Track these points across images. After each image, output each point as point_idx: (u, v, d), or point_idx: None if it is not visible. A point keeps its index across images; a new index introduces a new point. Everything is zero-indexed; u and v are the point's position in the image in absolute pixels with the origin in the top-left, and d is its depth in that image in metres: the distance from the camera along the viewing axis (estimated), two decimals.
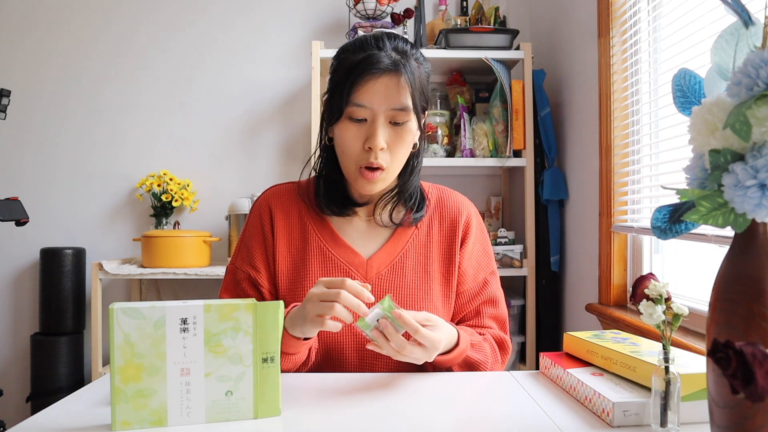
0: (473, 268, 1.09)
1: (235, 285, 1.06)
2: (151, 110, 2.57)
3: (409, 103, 0.95)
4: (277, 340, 0.75)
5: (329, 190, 1.06)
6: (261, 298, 1.04)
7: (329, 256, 1.04)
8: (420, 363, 0.87)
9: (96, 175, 2.56)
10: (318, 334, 0.99)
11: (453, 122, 2.32)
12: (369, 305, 0.84)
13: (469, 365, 0.99)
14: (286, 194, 1.10)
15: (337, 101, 0.96)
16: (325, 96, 1.02)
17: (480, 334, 1.05)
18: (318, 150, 1.07)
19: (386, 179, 1.01)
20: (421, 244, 1.07)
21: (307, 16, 2.59)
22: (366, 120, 0.96)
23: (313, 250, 1.05)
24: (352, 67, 0.94)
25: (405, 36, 1.23)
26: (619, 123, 1.78)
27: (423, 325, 0.85)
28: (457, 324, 1.06)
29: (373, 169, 0.97)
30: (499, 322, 1.10)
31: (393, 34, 1.01)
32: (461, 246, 1.09)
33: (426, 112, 1.04)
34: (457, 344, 0.95)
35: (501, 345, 1.07)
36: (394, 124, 0.96)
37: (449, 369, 0.98)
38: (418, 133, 1.02)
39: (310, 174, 1.11)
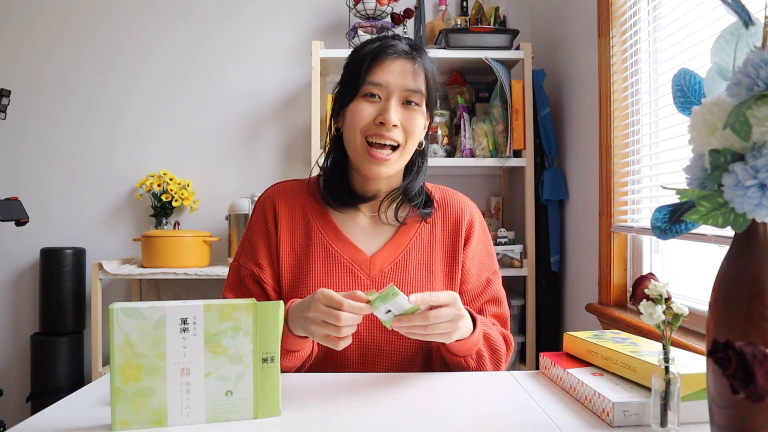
0: (476, 268, 1.10)
1: (239, 282, 1.06)
2: (151, 110, 2.57)
3: (423, 87, 1.00)
4: (277, 339, 0.75)
5: (336, 184, 1.07)
6: (265, 295, 1.05)
7: (333, 253, 1.05)
8: (455, 326, 0.86)
9: (96, 175, 2.56)
10: None
11: (453, 122, 2.32)
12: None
13: (489, 344, 1.00)
14: (290, 191, 1.11)
15: (353, 82, 0.99)
16: (337, 88, 1.05)
17: None
18: (326, 146, 1.10)
19: (397, 163, 1.02)
20: (424, 243, 1.08)
21: (307, 16, 2.58)
22: (380, 98, 0.99)
23: (316, 246, 1.05)
24: (370, 51, 0.99)
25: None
26: (619, 123, 1.78)
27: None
28: None
29: (385, 147, 0.99)
30: (502, 321, 1.10)
31: (407, 37, 1.07)
32: (464, 246, 1.09)
33: (432, 113, 1.07)
34: (474, 320, 0.95)
35: (505, 341, 1.07)
36: (407, 104, 1.00)
37: (479, 355, 0.98)
38: (424, 131, 1.05)
39: (318, 172, 1.13)
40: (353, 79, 0.99)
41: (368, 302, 0.83)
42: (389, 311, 0.83)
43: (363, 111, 0.99)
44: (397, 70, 0.98)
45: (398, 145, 1.00)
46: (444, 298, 0.85)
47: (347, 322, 0.81)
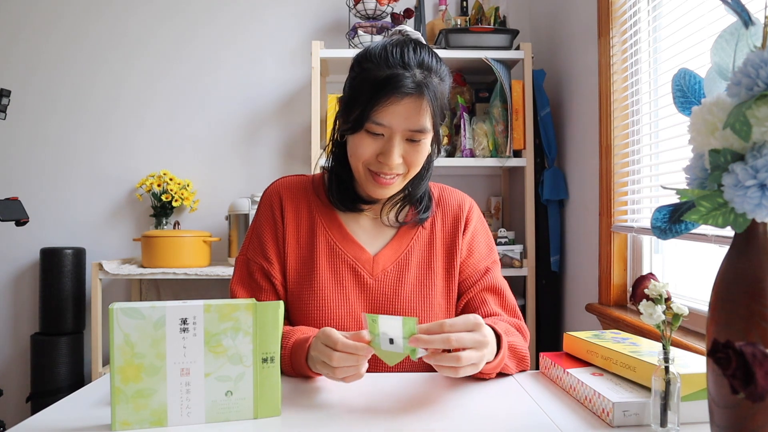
0: (474, 257, 1.10)
1: (249, 276, 1.07)
2: (151, 110, 2.57)
3: (428, 125, 0.96)
4: (277, 340, 0.75)
5: (339, 186, 1.07)
6: (273, 290, 1.05)
7: (337, 251, 1.05)
8: (481, 353, 0.79)
9: (96, 175, 2.56)
10: None
11: (453, 122, 2.32)
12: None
13: (516, 354, 0.97)
14: (296, 186, 1.11)
15: (357, 115, 0.95)
16: (342, 98, 1.02)
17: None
18: (327, 146, 1.09)
19: (400, 185, 1.02)
20: (425, 241, 1.09)
21: (307, 16, 2.58)
22: (383, 135, 0.96)
23: (321, 244, 1.06)
24: (376, 85, 0.93)
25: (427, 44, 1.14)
26: (619, 123, 1.78)
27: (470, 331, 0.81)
28: (462, 313, 1.07)
29: (387, 176, 0.98)
30: (509, 310, 1.09)
31: (418, 43, 0.98)
32: (463, 233, 1.10)
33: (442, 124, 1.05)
34: (499, 339, 0.90)
35: (521, 332, 1.04)
36: (411, 141, 0.97)
37: (504, 369, 0.94)
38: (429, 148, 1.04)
39: (322, 170, 1.13)
40: (358, 110, 0.95)
41: (369, 343, 0.79)
42: (391, 341, 0.77)
43: (365, 147, 0.97)
44: (401, 111, 0.93)
45: (401, 173, 1.00)
46: (461, 323, 0.79)
47: (341, 363, 0.78)
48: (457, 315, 1.08)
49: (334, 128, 1.06)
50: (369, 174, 0.99)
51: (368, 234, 1.09)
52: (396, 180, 1.00)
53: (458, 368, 0.77)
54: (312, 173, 1.17)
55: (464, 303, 1.08)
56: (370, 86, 0.94)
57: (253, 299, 0.74)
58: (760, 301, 0.54)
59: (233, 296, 1.05)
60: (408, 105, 0.93)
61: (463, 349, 0.77)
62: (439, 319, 1.02)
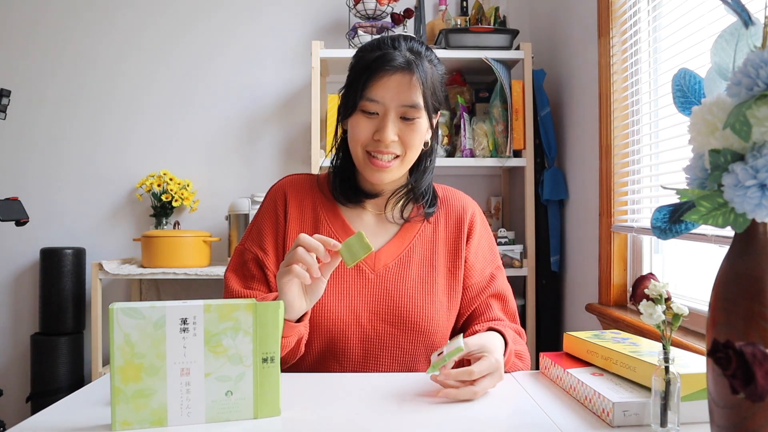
0: (479, 263, 1.11)
1: (242, 265, 1.08)
2: (151, 110, 2.57)
3: (420, 101, 0.99)
4: (277, 340, 0.75)
5: (342, 181, 1.09)
6: (265, 280, 1.06)
7: None
8: (494, 386, 0.87)
9: (96, 175, 2.56)
10: (321, 327, 1.00)
11: (453, 122, 2.32)
12: (333, 253, 0.86)
13: (519, 357, 1.02)
14: (302, 183, 1.13)
15: (352, 95, 1.00)
16: (342, 91, 1.06)
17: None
18: (333, 146, 1.12)
19: (398, 169, 1.03)
20: (428, 240, 1.10)
21: (307, 16, 2.58)
22: (378, 114, 0.99)
23: None
24: (368, 64, 0.99)
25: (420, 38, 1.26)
26: (619, 123, 1.78)
27: (477, 357, 0.85)
28: (467, 318, 1.09)
29: (385, 153, 1.00)
30: (509, 316, 1.12)
31: (410, 36, 1.05)
32: (467, 241, 1.11)
33: (439, 113, 1.07)
34: (506, 344, 0.96)
35: (519, 335, 1.08)
36: (405, 119, 0.99)
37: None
38: (430, 132, 1.06)
39: (328, 169, 1.15)
40: (353, 92, 1.00)
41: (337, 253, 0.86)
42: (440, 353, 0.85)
43: (361, 127, 1.00)
44: (393, 86, 0.97)
45: (398, 155, 1.02)
46: (486, 368, 0.84)
47: (297, 258, 0.83)
48: (462, 321, 1.10)
49: (336, 123, 1.08)
50: (367, 157, 1.01)
51: (371, 230, 1.10)
52: (393, 164, 1.01)
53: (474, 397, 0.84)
54: (318, 172, 1.19)
55: (472, 310, 1.10)
56: (362, 67, 1.00)
57: (253, 299, 0.74)
58: (760, 301, 0.54)
59: (226, 283, 1.07)
60: (399, 80, 0.97)
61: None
62: (440, 315, 1.05)
